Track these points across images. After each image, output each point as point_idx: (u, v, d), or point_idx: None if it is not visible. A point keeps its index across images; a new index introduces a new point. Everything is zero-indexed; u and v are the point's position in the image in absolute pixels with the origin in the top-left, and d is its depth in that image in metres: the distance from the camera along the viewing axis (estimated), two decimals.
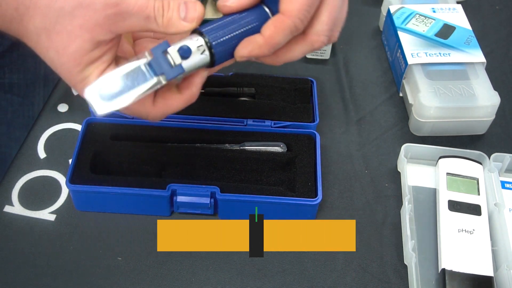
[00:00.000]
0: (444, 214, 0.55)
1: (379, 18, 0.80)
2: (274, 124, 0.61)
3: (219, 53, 0.43)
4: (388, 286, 0.53)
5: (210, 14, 0.77)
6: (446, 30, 0.70)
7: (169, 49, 0.41)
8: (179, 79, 0.44)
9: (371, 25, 0.81)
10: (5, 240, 0.54)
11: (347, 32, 0.79)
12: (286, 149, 0.59)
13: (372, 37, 0.79)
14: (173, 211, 0.57)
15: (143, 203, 0.55)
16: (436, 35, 0.70)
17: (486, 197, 0.57)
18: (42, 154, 0.61)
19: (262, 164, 0.58)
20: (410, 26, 0.71)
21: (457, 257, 0.51)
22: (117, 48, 0.44)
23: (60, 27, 0.40)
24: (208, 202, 0.54)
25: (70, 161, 0.57)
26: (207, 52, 0.42)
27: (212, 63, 0.43)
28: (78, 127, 0.64)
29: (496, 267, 0.53)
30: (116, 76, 0.41)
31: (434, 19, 0.72)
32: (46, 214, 0.56)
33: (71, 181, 0.54)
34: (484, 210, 0.55)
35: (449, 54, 0.67)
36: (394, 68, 0.72)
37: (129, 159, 0.58)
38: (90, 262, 0.53)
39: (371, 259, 0.55)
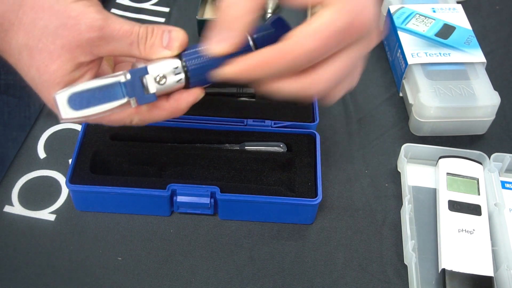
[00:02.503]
0: (444, 214, 0.55)
1: (379, 18, 0.80)
2: (274, 124, 0.61)
3: (195, 77, 0.43)
4: (388, 286, 0.53)
5: (210, 14, 0.78)
6: (446, 30, 0.70)
7: (146, 76, 0.42)
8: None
9: None
10: (5, 240, 0.54)
11: None
12: (286, 149, 0.59)
13: None
14: (173, 211, 0.57)
15: (143, 203, 0.55)
16: (436, 35, 0.70)
17: (486, 197, 0.57)
18: (42, 154, 0.61)
19: (262, 164, 0.58)
20: (410, 26, 0.71)
21: (457, 257, 0.51)
22: (97, 68, 0.43)
23: (42, 46, 0.40)
24: (208, 202, 0.54)
25: (70, 161, 0.57)
26: (183, 77, 0.43)
27: (187, 86, 0.44)
28: (78, 127, 0.64)
29: (496, 267, 0.53)
30: (90, 87, 0.41)
31: (434, 19, 0.72)
32: (46, 214, 0.56)
33: (71, 181, 0.54)
34: (484, 210, 0.55)
35: (449, 54, 0.67)
36: (394, 68, 0.72)
37: (129, 159, 0.58)
38: (90, 262, 0.53)
39: (371, 259, 0.55)
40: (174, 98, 0.44)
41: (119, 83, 0.41)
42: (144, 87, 0.42)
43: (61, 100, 0.40)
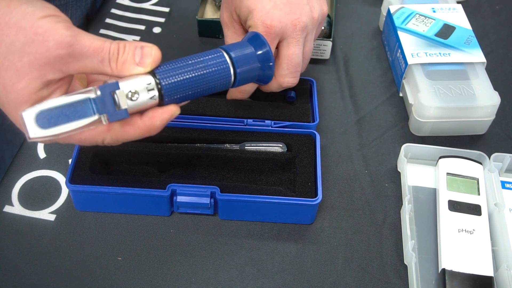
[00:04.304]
0: (444, 214, 0.55)
1: (379, 18, 0.80)
2: (274, 124, 0.61)
3: (169, 95, 0.43)
4: (388, 286, 0.53)
5: (210, 14, 0.78)
6: (446, 30, 0.70)
7: (117, 92, 0.40)
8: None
9: (371, 25, 0.81)
10: (5, 240, 0.54)
11: (347, 32, 0.79)
12: (286, 149, 0.59)
13: (372, 37, 0.79)
14: (173, 211, 0.57)
15: (143, 203, 0.55)
16: (436, 35, 0.70)
17: (486, 197, 0.57)
18: (42, 154, 0.61)
19: (262, 164, 0.58)
20: (410, 26, 0.71)
21: (457, 257, 0.51)
22: (67, 86, 0.42)
23: (9, 63, 0.39)
24: (208, 202, 0.54)
25: (70, 161, 0.57)
26: (156, 94, 0.42)
27: (161, 103, 0.43)
28: None
29: (496, 267, 0.53)
30: (59, 104, 0.39)
31: (434, 19, 0.72)
32: (46, 214, 0.56)
33: (71, 181, 0.54)
34: (484, 210, 0.55)
35: (449, 54, 0.67)
36: (394, 68, 0.72)
37: (129, 159, 0.59)
38: (90, 262, 0.53)
39: (371, 259, 0.55)
40: (148, 116, 0.42)
41: (89, 99, 0.40)
42: (116, 104, 0.40)
43: (28, 118, 0.39)
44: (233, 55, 0.46)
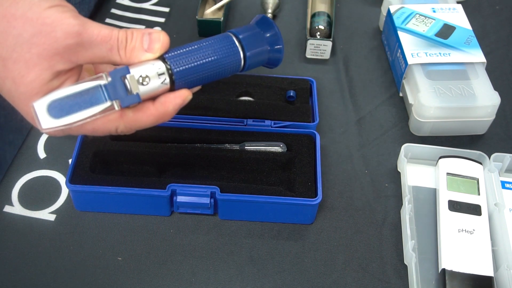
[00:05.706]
0: (444, 214, 0.55)
1: (379, 18, 0.80)
2: (274, 124, 0.61)
3: (180, 80, 0.43)
4: (388, 286, 0.53)
5: (210, 15, 0.78)
6: (446, 30, 0.70)
7: (128, 76, 0.40)
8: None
9: (371, 25, 0.81)
10: (5, 240, 0.54)
11: (347, 32, 0.79)
12: (286, 149, 0.59)
13: (372, 37, 0.79)
14: (173, 211, 0.57)
15: (143, 203, 0.55)
16: (436, 35, 0.70)
17: (486, 197, 0.57)
18: (42, 154, 0.61)
19: (262, 164, 0.58)
20: (410, 26, 0.71)
21: (457, 257, 0.51)
22: (77, 77, 0.42)
23: (17, 55, 0.38)
24: (208, 202, 0.54)
25: (70, 161, 0.57)
26: (167, 79, 0.42)
27: (172, 89, 0.43)
28: None
29: (496, 267, 0.53)
30: (69, 93, 0.39)
31: (434, 19, 0.72)
32: (46, 214, 0.56)
33: (71, 181, 0.54)
34: (484, 210, 0.55)
35: (449, 54, 0.67)
36: (394, 68, 0.72)
37: (129, 159, 0.59)
38: (90, 262, 0.53)
39: (371, 259, 0.55)
40: (160, 102, 0.42)
41: (100, 86, 0.40)
42: (127, 89, 0.40)
43: (40, 109, 0.38)
44: (242, 38, 0.46)
